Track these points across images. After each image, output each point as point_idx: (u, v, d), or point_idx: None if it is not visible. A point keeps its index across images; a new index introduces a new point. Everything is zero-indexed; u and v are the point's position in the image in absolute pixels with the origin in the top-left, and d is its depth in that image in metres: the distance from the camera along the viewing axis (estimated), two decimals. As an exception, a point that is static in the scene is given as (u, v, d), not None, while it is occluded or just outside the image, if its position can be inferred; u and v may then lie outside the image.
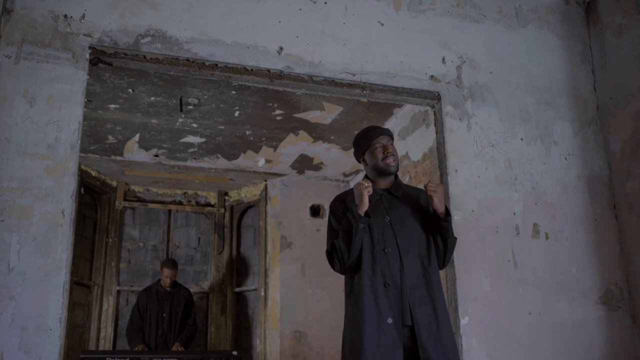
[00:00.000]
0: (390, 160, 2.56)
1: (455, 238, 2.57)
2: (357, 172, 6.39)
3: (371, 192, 2.43)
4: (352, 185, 6.63)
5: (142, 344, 5.26)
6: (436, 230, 2.50)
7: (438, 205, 2.46)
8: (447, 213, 2.49)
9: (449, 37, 3.56)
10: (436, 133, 3.49)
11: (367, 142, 2.63)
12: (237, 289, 6.79)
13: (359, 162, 2.70)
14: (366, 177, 2.65)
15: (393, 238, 2.46)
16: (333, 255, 2.47)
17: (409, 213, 2.53)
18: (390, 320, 2.32)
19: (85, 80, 2.80)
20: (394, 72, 3.37)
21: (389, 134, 2.65)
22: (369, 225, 2.44)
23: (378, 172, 2.59)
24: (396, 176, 2.64)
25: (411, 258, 2.44)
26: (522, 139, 3.54)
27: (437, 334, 2.32)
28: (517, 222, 3.36)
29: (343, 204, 2.58)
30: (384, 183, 2.61)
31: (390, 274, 2.39)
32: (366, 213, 2.42)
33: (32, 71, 2.70)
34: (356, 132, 5.22)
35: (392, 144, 2.61)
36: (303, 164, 6.13)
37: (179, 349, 5.31)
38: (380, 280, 2.39)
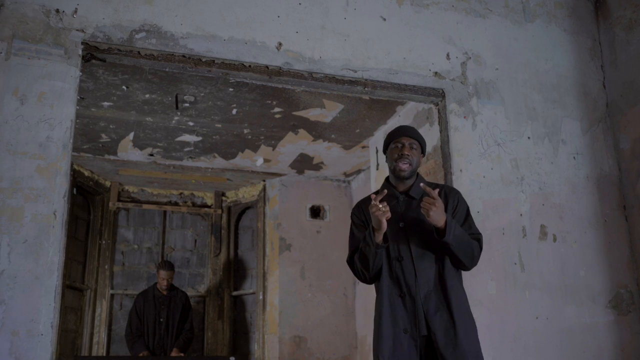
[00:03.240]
0: (402, 164, 2.49)
1: (476, 241, 2.45)
2: (358, 171, 6.39)
3: (389, 217, 2.33)
4: (352, 185, 6.63)
5: (146, 350, 5.26)
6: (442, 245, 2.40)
7: (436, 220, 2.32)
8: (445, 229, 2.33)
9: (454, 33, 3.56)
10: (440, 132, 3.49)
11: (388, 140, 2.59)
12: (235, 293, 6.79)
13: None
14: (387, 179, 2.61)
15: (407, 245, 2.43)
16: (353, 270, 2.52)
17: (425, 216, 2.43)
18: (406, 331, 2.34)
19: (77, 77, 2.80)
20: (396, 68, 3.37)
21: (412, 135, 2.56)
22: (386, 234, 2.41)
23: (393, 174, 2.56)
24: (418, 175, 2.59)
25: (426, 265, 2.41)
26: (529, 138, 3.53)
27: (454, 341, 2.30)
28: (523, 223, 3.36)
29: (362, 213, 2.56)
30: (403, 186, 2.55)
31: (405, 283, 2.39)
32: (385, 236, 2.37)
33: (23, 68, 2.70)
34: (357, 130, 5.27)
35: (412, 147, 2.52)
36: (303, 163, 6.12)
37: (178, 355, 5.32)
38: (397, 291, 2.40)
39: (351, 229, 2.60)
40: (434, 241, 2.38)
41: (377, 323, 2.41)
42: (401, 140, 2.54)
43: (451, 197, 2.57)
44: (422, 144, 2.60)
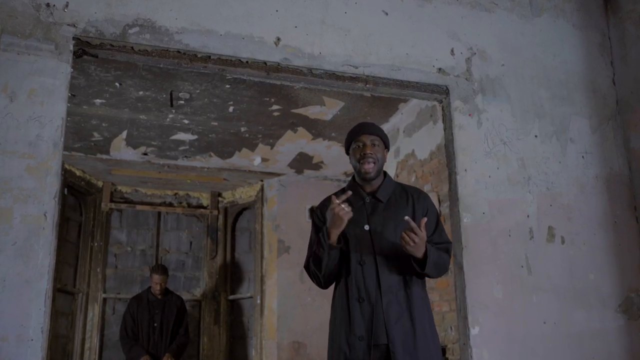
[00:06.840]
0: (366, 166, 2.46)
1: (445, 252, 2.46)
2: (359, 171, 6.39)
3: (351, 216, 2.31)
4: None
5: (147, 355, 5.24)
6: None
7: (414, 253, 2.31)
8: (425, 259, 2.33)
9: (458, 27, 3.56)
10: (444, 130, 3.49)
11: (349, 139, 2.56)
12: (232, 297, 6.80)
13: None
14: (353, 179, 2.59)
15: (371, 249, 2.40)
16: (309, 275, 2.51)
17: (392, 220, 2.44)
18: (361, 338, 2.31)
19: (69, 74, 2.79)
20: (399, 64, 3.37)
21: (373, 132, 2.52)
22: (346, 235, 2.39)
23: (358, 175, 2.54)
24: (385, 175, 2.57)
25: (390, 270, 2.38)
26: (536, 136, 3.53)
27: (413, 351, 2.29)
28: (530, 224, 3.36)
29: (323, 213, 2.54)
30: (370, 187, 2.52)
31: (366, 289, 2.36)
32: (339, 238, 2.35)
33: (12, 63, 2.70)
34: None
35: (375, 144, 2.49)
36: (302, 162, 6.13)
37: (170, 361, 5.32)
38: (355, 295, 2.37)
39: (311, 233, 2.58)
40: (403, 255, 2.35)
41: (334, 327, 2.41)
42: (361, 139, 2.50)
43: (420, 204, 2.52)
44: (384, 139, 2.56)
